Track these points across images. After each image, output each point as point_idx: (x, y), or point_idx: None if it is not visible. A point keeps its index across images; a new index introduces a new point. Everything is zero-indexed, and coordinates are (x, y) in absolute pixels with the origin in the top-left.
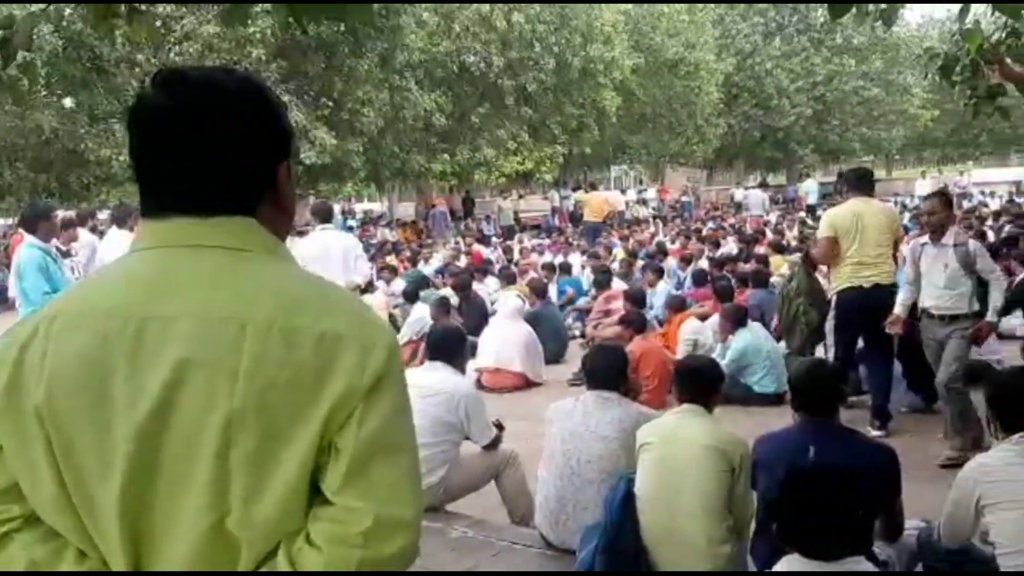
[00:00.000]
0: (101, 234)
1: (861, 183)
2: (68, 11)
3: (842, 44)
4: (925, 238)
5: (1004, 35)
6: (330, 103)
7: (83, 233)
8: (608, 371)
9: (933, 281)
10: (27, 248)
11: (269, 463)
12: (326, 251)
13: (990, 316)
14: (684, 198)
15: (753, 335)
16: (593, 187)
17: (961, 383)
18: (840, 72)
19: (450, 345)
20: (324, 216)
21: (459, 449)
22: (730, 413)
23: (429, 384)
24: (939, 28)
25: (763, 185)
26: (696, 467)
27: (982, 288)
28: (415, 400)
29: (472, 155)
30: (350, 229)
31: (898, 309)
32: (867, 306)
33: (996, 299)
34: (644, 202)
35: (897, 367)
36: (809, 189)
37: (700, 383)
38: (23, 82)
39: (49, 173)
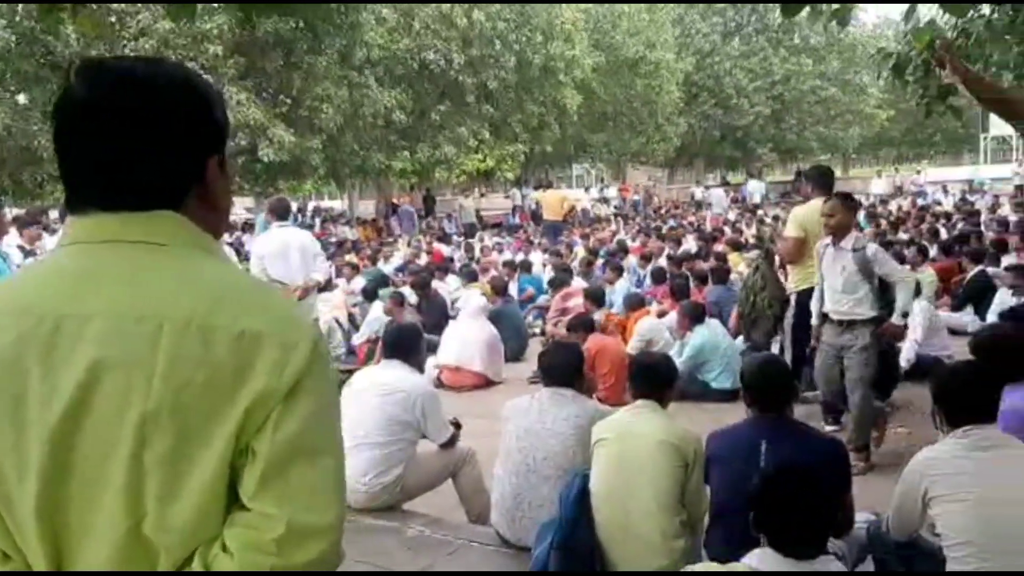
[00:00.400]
0: (54, 232)
1: (824, 181)
2: (20, 8)
3: (800, 44)
4: (828, 240)
5: (955, 35)
6: (288, 100)
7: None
8: (564, 368)
9: (831, 284)
10: None
11: (184, 465)
12: (284, 249)
13: (896, 318)
14: (635, 196)
15: (711, 332)
16: (550, 185)
17: (872, 400)
18: (798, 72)
19: (406, 343)
20: (281, 213)
21: (416, 448)
22: (686, 409)
23: (386, 382)
24: (895, 28)
25: (725, 184)
26: (650, 463)
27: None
28: (372, 398)
29: (433, 153)
30: (310, 227)
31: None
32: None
33: (902, 301)
34: (606, 200)
35: None
36: (753, 189)
37: (654, 379)
38: None
39: (1, 171)
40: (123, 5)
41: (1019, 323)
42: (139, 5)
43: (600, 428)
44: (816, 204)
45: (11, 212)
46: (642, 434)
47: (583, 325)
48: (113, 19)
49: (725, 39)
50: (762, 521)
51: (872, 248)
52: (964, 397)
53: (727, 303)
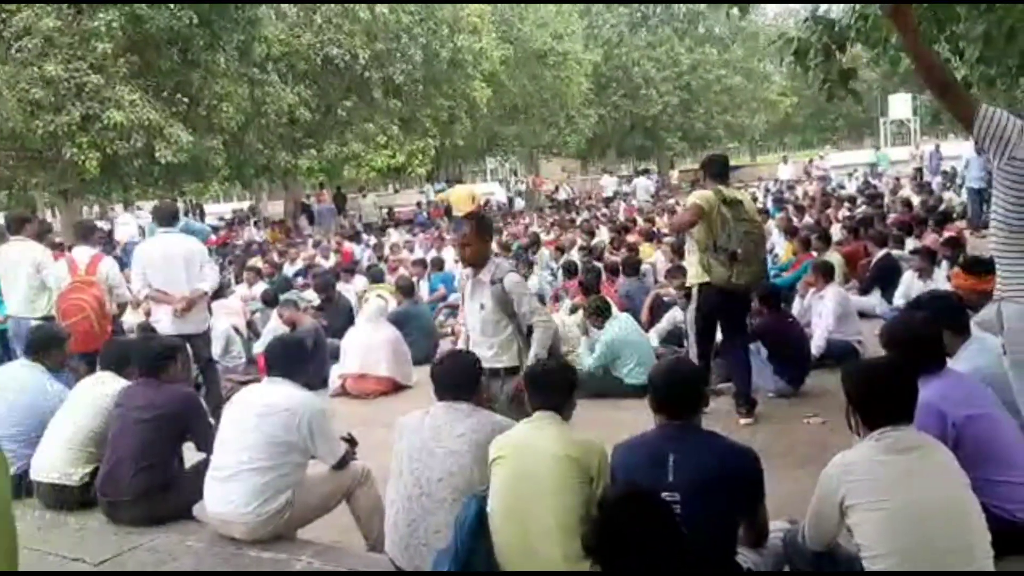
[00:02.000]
0: None
1: (718, 169)
2: None
3: (704, 34)
4: (468, 270)
5: (854, 19)
6: (186, 100)
7: None
8: (459, 379)
9: (471, 326)
10: None
11: None
12: (166, 256)
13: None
14: (519, 186)
15: (622, 326)
16: (460, 181)
17: None
18: (704, 61)
19: (289, 358)
20: (165, 219)
21: (305, 470)
22: (601, 408)
23: (267, 402)
24: (795, 16)
25: (644, 172)
26: (551, 479)
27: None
28: (252, 419)
29: (340, 150)
30: (215, 230)
31: None
32: (728, 298)
33: (536, 349)
34: (520, 194)
35: (763, 352)
36: (605, 184)
37: (551, 389)
38: None
39: None
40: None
41: (931, 312)
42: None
43: (497, 445)
44: (709, 192)
45: None
46: (541, 449)
47: None
48: None
49: (632, 29)
50: (597, 550)
51: (512, 280)
52: (882, 399)
53: (639, 295)
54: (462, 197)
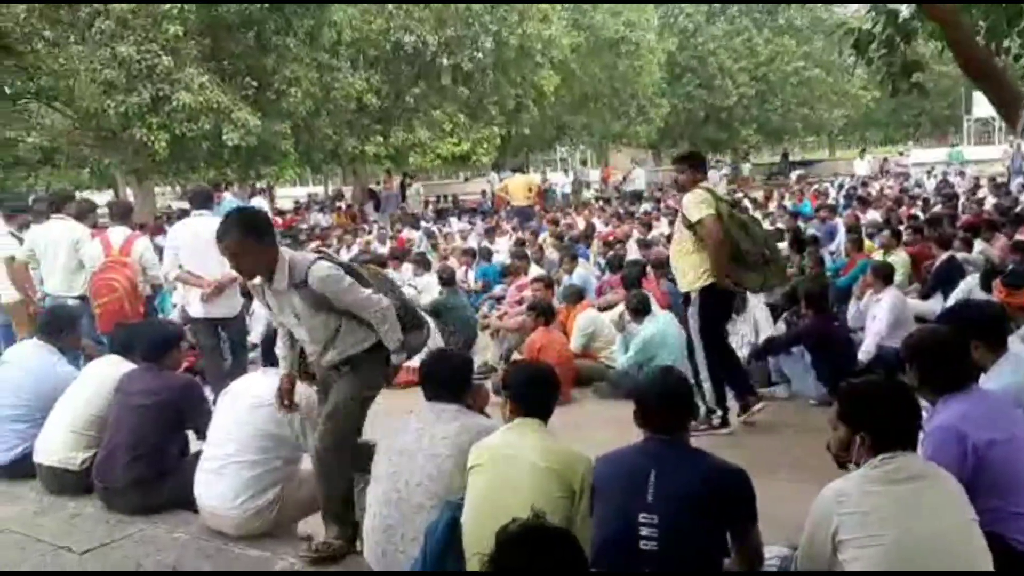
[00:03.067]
0: None
1: (703, 164)
2: None
3: (784, 25)
4: (258, 282)
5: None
6: (255, 84)
7: None
8: (447, 378)
9: (301, 338)
10: None
11: None
12: (199, 238)
13: (394, 358)
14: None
15: (661, 325)
16: (520, 170)
17: None
18: (782, 52)
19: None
20: (200, 201)
21: (296, 465)
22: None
23: (259, 393)
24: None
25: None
26: (529, 492)
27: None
28: (242, 411)
29: (407, 137)
30: (282, 213)
31: None
32: (728, 300)
33: (390, 345)
34: (587, 184)
35: (807, 356)
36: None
37: (534, 392)
38: None
39: None
40: None
41: (962, 322)
42: None
43: (475, 451)
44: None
45: None
46: (519, 458)
47: (542, 310)
48: None
49: (709, 19)
50: None
51: (317, 275)
52: (890, 420)
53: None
54: (519, 187)
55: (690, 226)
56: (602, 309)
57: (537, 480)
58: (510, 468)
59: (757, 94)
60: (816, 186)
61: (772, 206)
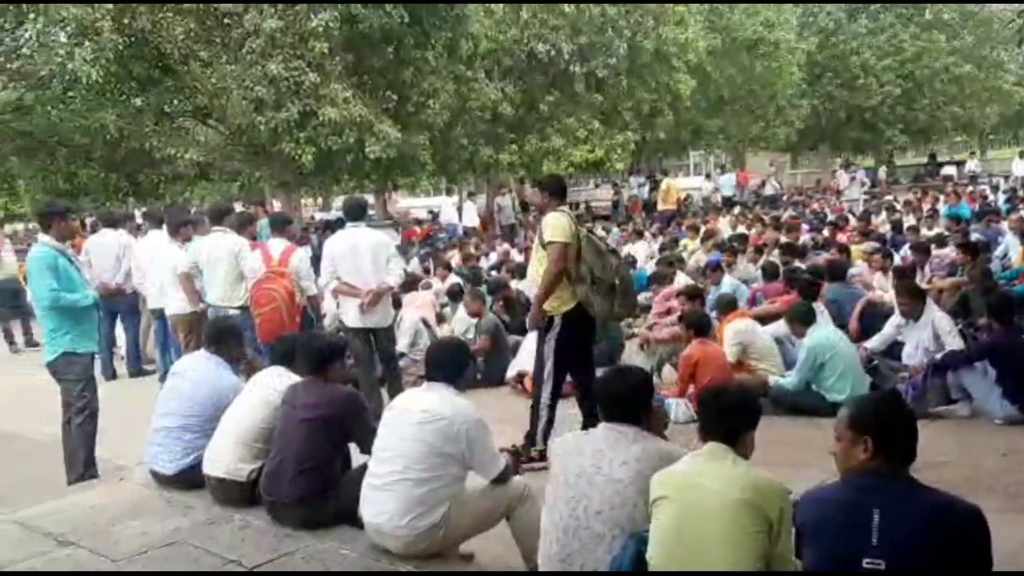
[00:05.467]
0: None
1: (562, 191)
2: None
3: (931, 20)
4: None
5: None
6: (395, 97)
7: (109, 234)
8: (626, 399)
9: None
10: (38, 247)
11: None
12: (355, 249)
13: None
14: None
15: (825, 332)
16: (650, 176)
17: None
18: (929, 49)
19: (449, 362)
20: (355, 213)
21: (462, 484)
22: (795, 425)
23: (426, 408)
24: None
25: (847, 165)
26: (722, 528)
27: None
28: (409, 427)
29: (540, 145)
30: (420, 223)
31: None
32: (585, 327)
33: None
34: (718, 189)
35: (991, 373)
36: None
37: (729, 418)
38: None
39: (119, 172)
40: (229, 7)
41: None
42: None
43: (659, 482)
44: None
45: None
46: (711, 490)
47: (696, 324)
48: (227, 21)
49: (851, 17)
50: None
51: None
52: None
53: (847, 303)
54: (668, 191)
55: (544, 245)
56: (758, 319)
57: (730, 514)
58: (699, 500)
59: (903, 93)
60: (971, 188)
61: (926, 208)
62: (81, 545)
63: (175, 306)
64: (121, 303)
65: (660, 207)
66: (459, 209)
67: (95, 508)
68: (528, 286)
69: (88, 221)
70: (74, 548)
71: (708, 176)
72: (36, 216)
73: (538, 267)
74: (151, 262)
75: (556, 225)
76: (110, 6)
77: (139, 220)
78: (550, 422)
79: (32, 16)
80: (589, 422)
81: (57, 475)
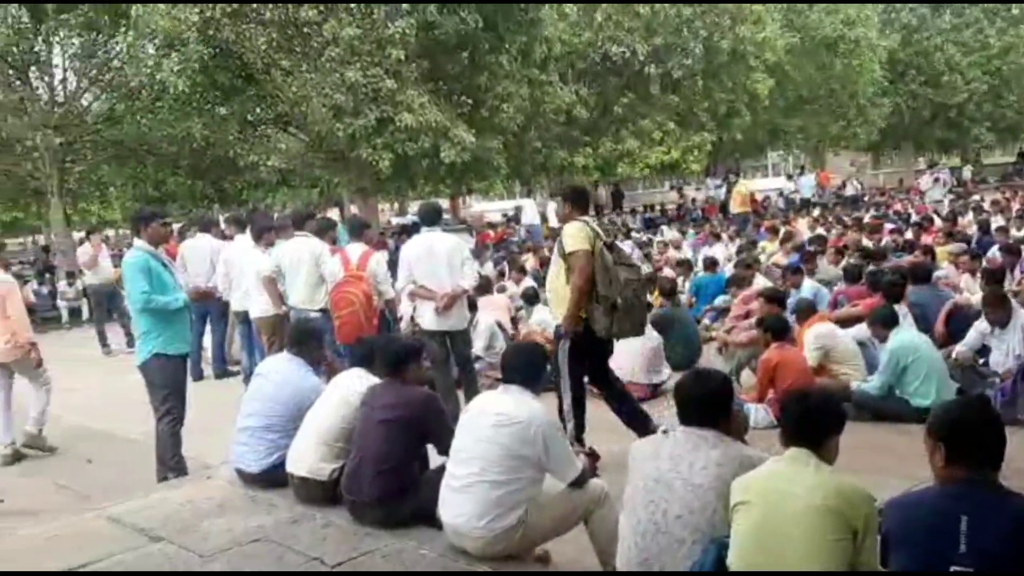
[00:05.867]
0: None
1: (587, 203)
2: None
3: (1019, 14)
4: None
5: None
6: (470, 101)
7: (203, 238)
8: (705, 402)
9: None
10: (132, 251)
11: None
12: (430, 252)
13: None
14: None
15: (908, 335)
16: (725, 178)
17: None
18: (1017, 44)
19: (524, 365)
20: (430, 217)
21: (539, 487)
22: (877, 431)
23: (502, 411)
24: None
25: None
26: (804, 533)
27: None
28: (485, 430)
29: (615, 147)
30: (493, 227)
31: None
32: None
33: None
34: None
35: None
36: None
37: (813, 422)
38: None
39: (205, 179)
40: (309, 15)
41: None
42: (325, 13)
43: (740, 487)
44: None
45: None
46: (794, 496)
47: (774, 328)
48: (307, 30)
49: (935, 12)
50: None
51: None
52: None
53: (932, 305)
54: (741, 193)
55: (565, 256)
56: (839, 322)
57: (813, 520)
58: (782, 506)
59: (989, 89)
60: None
61: (1015, 208)
62: (171, 540)
63: (259, 308)
64: (211, 306)
65: (733, 209)
66: (542, 212)
67: (183, 505)
68: (550, 298)
69: (175, 227)
70: (164, 543)
71: (790, 177)
72: (130, 221)
73: (557, 277)
74: (236, 266)
75: (577, 235)
76: (196, 18)
77: (223, 226)
78: (579, 427)
79: (123, 30)
80: (630, 423)
81: (148, 473)
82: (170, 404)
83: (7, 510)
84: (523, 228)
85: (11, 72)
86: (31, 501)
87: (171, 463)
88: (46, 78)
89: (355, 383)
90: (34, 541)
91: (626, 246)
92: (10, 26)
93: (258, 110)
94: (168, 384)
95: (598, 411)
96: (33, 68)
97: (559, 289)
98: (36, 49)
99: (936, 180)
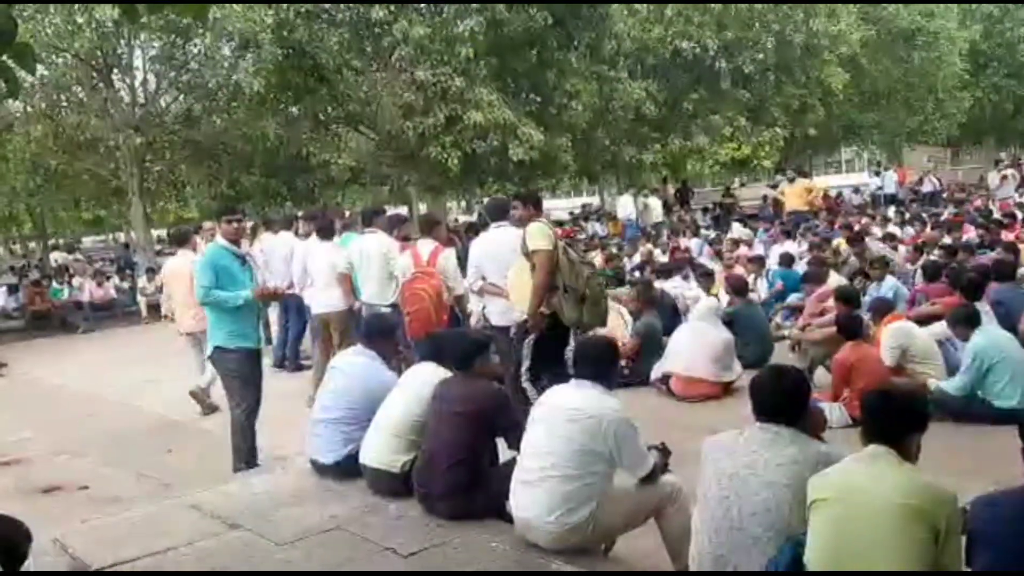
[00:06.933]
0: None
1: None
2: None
3: None
4: None
5: None
6: (538, 99)
7: (284, 236)
8: (781, 398)
9: None
10: (209, 246)
11: None
12: (500, 249)
13: None
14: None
15: (991, 334)
16: (803, 175)
17: None
18: None
19: (597, 359)
20: (497, 214)
21: (611, 482)
22: (960, 434)
23: (575, 406)
24: None
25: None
26: (886, 533)
27: None
28: (560, 424)
29: (684, 144)
30: (560, 224)
31: None
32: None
33: None
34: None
35: None
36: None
37: (895, 420)
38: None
39: (278, 178)
40: (380, 15)
41: None
42: (395, 14)
43: (817, 484)
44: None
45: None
46: (874, 494)
47: (848, 327)
48: (377, 30)
49: (1018, 2)
50: None
51: None
52: None
53: (1016, 304)
54: (796, 192)
55: (527, 254)
56: (918, 321)
57: (895, 519)
58: (861, 504)
59: None
60: None
61: None
62: (247, 528)
63: (322, 304)
64: (289, 301)
65: (790, 207)
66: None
67: (260, 494)
68: (509, 294)
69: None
70: (242, 531)
71: (877, 173)
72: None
73: (519, 274)
74: (311, 262)
75: (539, 234)
76: (270, 20)
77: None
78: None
79: (200, 31)
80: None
81: (226, 464)
82: (239, 396)
83: (93, 496)
84: (605, 224)
85: (95, 75)
86: (114, 489)
87: (245, 453)
88: (128, 80)
89: (427, 376)
90: (118, 528)
91: (693, 244)
92: (94, 30)
93: (329, 109)
94: (235, 376)
95: (671, 409)
96: (116, 70)
97: (521, 287)
98: (119, 52)
99: (1004, 178)
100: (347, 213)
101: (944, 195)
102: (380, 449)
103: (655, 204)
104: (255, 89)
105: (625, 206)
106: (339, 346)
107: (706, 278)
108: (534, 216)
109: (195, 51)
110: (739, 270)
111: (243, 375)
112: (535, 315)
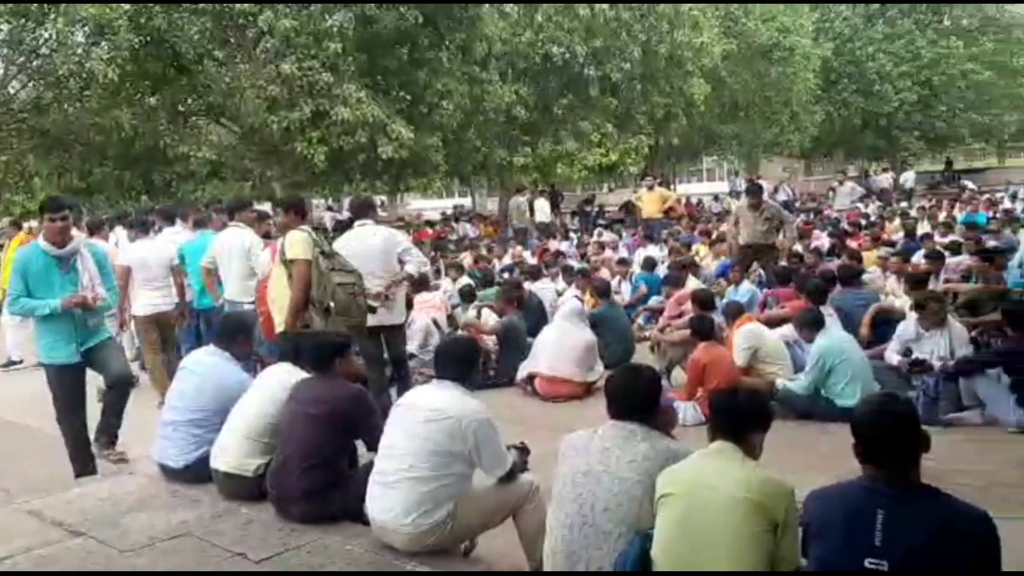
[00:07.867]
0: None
1: (304, 211)
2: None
3: (950, 26)
4: None
5: None
6: (408, 97)
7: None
8: (634, 398)
9: None
10: (21, 248)
11: None
12: (363, 247)
13: None
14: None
15: (834, 336)
16: (662, 183)
17: None
18: (948, 55)
19: (458, 360)
20: (362, 211)
21: (469, 482)
22: (803, 431)
23: (434, 406)
24: None
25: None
26: (726, 526)
27: None
28: (416, 425)
29: (554, 148)
30: (431, 224)
31: None
32: None
33: None
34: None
35: (1004, 379)
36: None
37: (739, 418)
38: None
39: (133, 171)
40: (244, 7)
41: None
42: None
43: (665, 479)
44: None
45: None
46: (716, 488)
47: (701, 328)
48: (242, 21)
49: (868, 22)
50: None
51: None
52: None
53: (857, 309)
54: (652, 200)
55: (286, 263)
56: (768, 323)
57: (736, 513)
58: (705, 498)
59: (919, 99)
60: (987, 195)
61: (942, 216)
62: (91, 535)
63: (144, 305)
64: None
65: (645, 214)
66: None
67: (104, 500)
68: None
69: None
70: (84, 538)
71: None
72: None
73: (276, 283)
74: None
75: (298, 244)
76: (127, 6)
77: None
78: None
79: (52, 16)
80: None
81: (69, 469)
82: (61, 415)
83: None
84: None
85: None
86: None
87: (80, 465)
88: None
89: (283, 377)
90: None
91: (564, 246)
92: None
93: (189, 101)
94: (55, 396)
95: (535, 409)
96: None
97: (280, 296)
98: None
99: (832, 189)
100: (203, 208)
101: (796, 204)
102: (232, 452)
103: (542, 205)
104: (109, 77)
105: (543, 210)
106: (164, 344)
107: (583, 278)
108: (296, 223)
109: (46, 36)
110: (604, 273)
111: (57, 384)
112: (292, 323)
